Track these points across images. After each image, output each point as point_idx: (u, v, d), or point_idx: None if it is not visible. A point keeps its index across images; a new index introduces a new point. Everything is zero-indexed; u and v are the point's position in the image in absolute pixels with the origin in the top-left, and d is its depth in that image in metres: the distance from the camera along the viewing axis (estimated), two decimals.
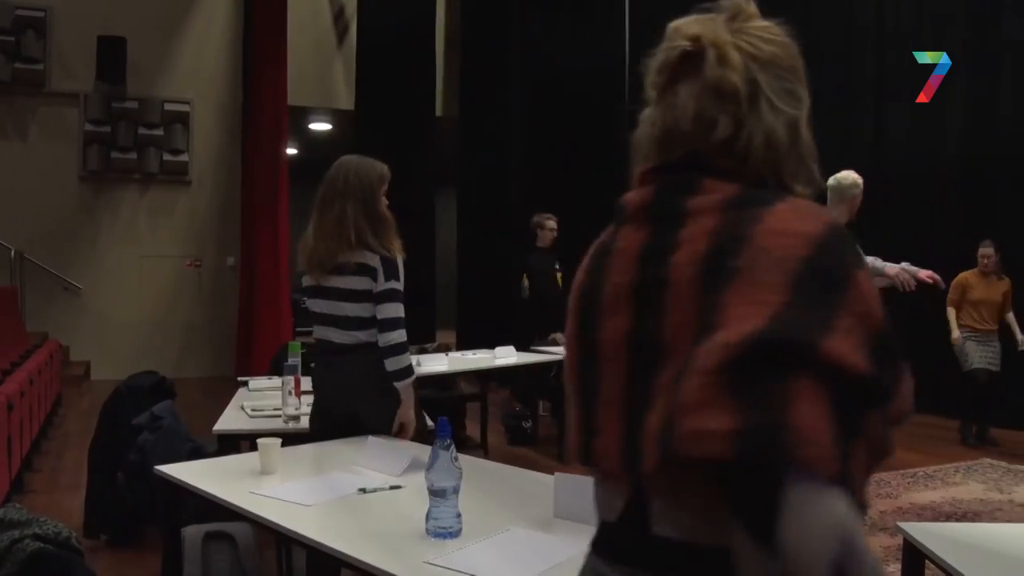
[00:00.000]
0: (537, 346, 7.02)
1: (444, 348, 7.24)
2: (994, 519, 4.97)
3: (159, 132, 11.06)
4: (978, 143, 8.18)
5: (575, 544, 1.94)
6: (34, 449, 6.35)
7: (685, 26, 1.19)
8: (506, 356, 6.19)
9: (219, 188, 11.42)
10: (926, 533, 2.21)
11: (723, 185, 1.07)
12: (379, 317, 3.11)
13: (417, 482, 2.22)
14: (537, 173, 11.08)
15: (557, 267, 8.11)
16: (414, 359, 5.92)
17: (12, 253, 10.40)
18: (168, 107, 11.09)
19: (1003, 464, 6.31)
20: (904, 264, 4.36)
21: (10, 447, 4.92)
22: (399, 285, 3.15)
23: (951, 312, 7.01)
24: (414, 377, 3.21)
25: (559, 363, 6.57)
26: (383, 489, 2.43)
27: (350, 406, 3.10)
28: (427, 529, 2.00)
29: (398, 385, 3.13)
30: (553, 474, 2.26)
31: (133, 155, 10.96)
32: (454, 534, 1.99)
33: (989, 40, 8.12)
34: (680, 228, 1.06)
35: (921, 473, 6.00)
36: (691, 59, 1.14)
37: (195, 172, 11.32)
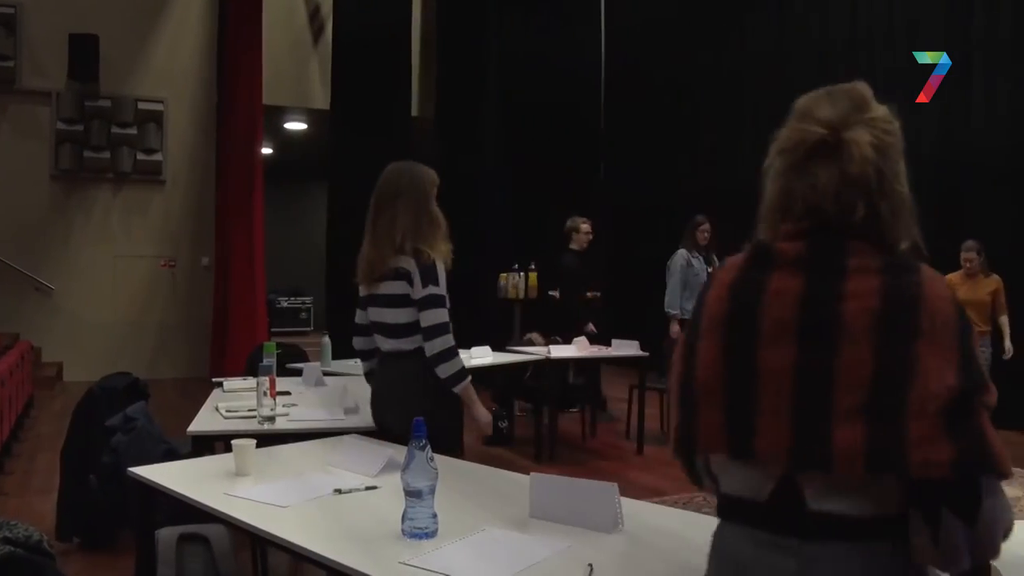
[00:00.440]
0: (513, 346, 7.04)
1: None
2: None
3: (132, 131, 10.97)
4: (951, 145, 8.27)
5: (550, 544, 1.96)
6: (5, 452, 6.29)
7: (816, 108, 1.48)
8: (482, 356, 6.19)
9: (193, 188, 11.35)
10: None
11: (865, 246, 1.39)
12: (422, 324, 3.10)
13: (393, 482, 2.22)
14: (513, 173, 11.10)
15: (532, 267, 8.15)
16: None
17: None
18: (142, 106, 11.00)
19: None
20: None
21: None
22: (439, 289, 3.11)
23: None
24: (469, 378, 3.19)
25: (535, 363, 6.58)
26: (359, 490, 2.42)
27: (394, 415, 3.10)
28: (403, 529, 2.00)
29: (456, 390, 3.14)
30: (529, 474, 2.27)
31: (106, 154, 10.87)
32: (430, 534, 1.99)
33: (961, 41, 8.21)
34: (844, 281, 1.36)
35: None
36: (825, 146, 1.42)
37: (169, 172, 11.24)
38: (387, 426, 3.16)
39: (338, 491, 2.40)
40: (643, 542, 2.02)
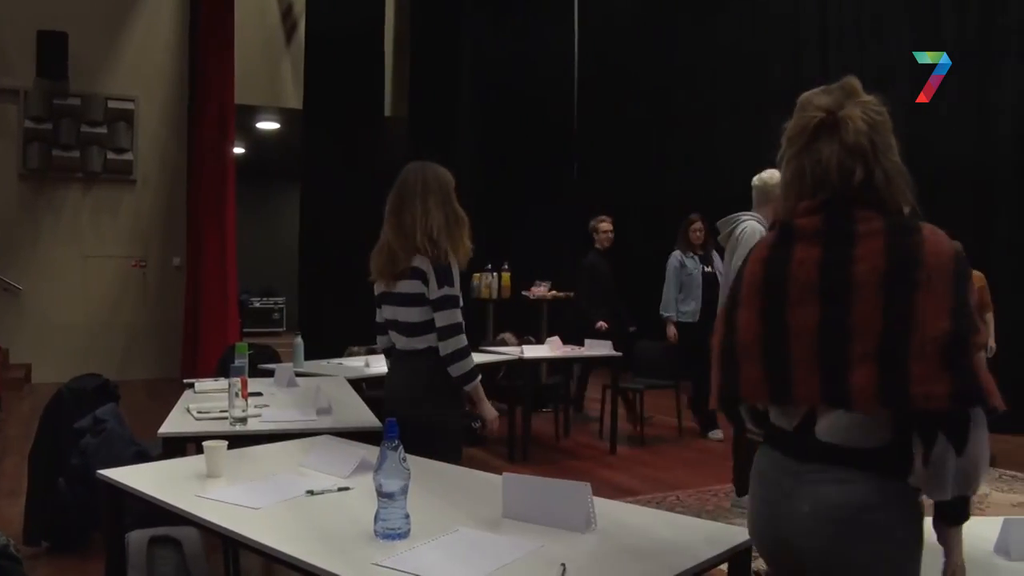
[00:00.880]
0: (487, 346, 7.04)
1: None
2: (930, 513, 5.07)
3: (102, 130, 10.85)
4: (918, 143, 8.35)
5: (523, 544, 1.96)
6: None
7: (815, 99, 1.75)
8: None
9: (164, 187, 11.24)
10: None
11: (870, 213, 1.64)
12: (437, 324, 3.16)
13: (365, 483, 2.22)
14: (486, 173, 11.10)
15: (505, 267, 8.15)
16: (362, 360, 5.97)
17: None
18: (112, 104, 10.89)
19: None
20: None
21: None
22: (453, 290, 3.16)
23: None
24: (479, 378, 3.25)
25: (508, 363, 6.60)
26: (331, 491, 2.42)
27: (406, 412, 2.95)
28: (375, 530, 2.00)
29: (467, 388, 3.22)
30: (502, 474, 2.27)
31: (76, 153, 10.75)
32: (402, 535, 1.99)
33: (929, 41, 8.30)
34: (854, 246, 1.62)
35: None
36: (824, 126, 1.70)
37: (140, 171, 11.14)
38: (409, 427, 3.06)
39: (310, 492, 2.40)
40: (616, 541, 2.03)
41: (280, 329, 15.05)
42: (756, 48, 10.14)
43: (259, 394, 4.13)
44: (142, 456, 3.94)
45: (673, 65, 11.27)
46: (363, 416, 3.80)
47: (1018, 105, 7.64)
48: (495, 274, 8.14)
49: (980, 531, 2.17)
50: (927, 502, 1.69)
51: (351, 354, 6.69)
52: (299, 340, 5.80)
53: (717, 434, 7.11)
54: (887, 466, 1.63)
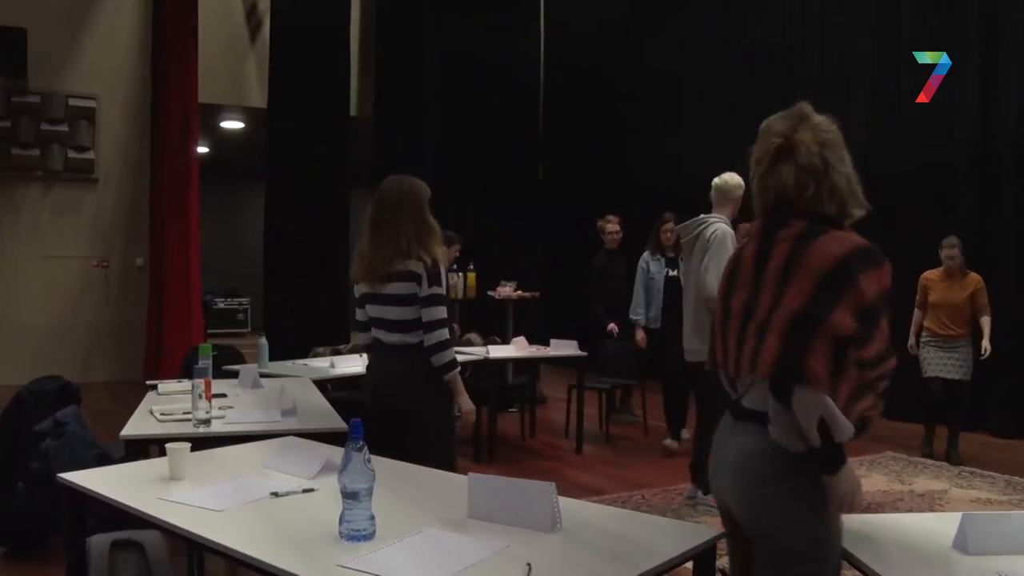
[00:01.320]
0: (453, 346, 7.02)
1: (358, 349, 7.18)
2: (896, 509, 5.16)
3: (63, 128, 10.70)
4: (881, 141, 8.47)
5: (489, 544, 1.97)
6: None
7: (774, 125, 2.06)
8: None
9: (127, 187, 11.11)
10: None
11: (799, 222, 1.96)
12: (424, 319, 3.46)
13: (330, 484, 2.22)
14: (452, 173, 11.10)
15: (471, 267, 8.15)
16: (327, 361, 5.96)
17: None
18: (73, 102, 10.74)
19: (904, 456, 6.55)
20: None
21: None
22: (441, 290, 3.48)
23: (916, 315, 6.54)
24: (458, 369, 3.54)
25: (475, 363, 6.59)
26: (295, 492, 2.41)
27: (400, 400, 3.48)
28: (340, 532, 1.99)
29: (445, 377, 3.49)
30: (467, 474, 2.27)
31: (35, 152, 10.58)
32: (367, 536, 1.98)
33: (891, 43, 8.42)
34: (773, 247, 1.98)
35: None
36: (783, 149, 2.01)
37: (102, 170, 10.99)
38: (409, 410, 3.47)
39: (275, 494, 2.38)
40: (581, 541, 2.04)
41: (245, 330, 14.95)
42: (721, 51, 10.22)
43: (223, 395, 4.11)
44: (104, 459, 3.89)
45: (638, 66, 11.33)
46: (328, 417, 3.80)
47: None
48: (460, 274, 8.14)
49: (939, 526, 2.22)
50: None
51: (316, 355, 6.66)
52: (264, 341, 5.78)
53: (672, 444, 6.83)
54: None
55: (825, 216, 1.98)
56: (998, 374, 6.54)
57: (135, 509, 2.29)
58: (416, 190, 3.55)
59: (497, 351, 6.79)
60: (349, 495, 1.97)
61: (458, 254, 7.79)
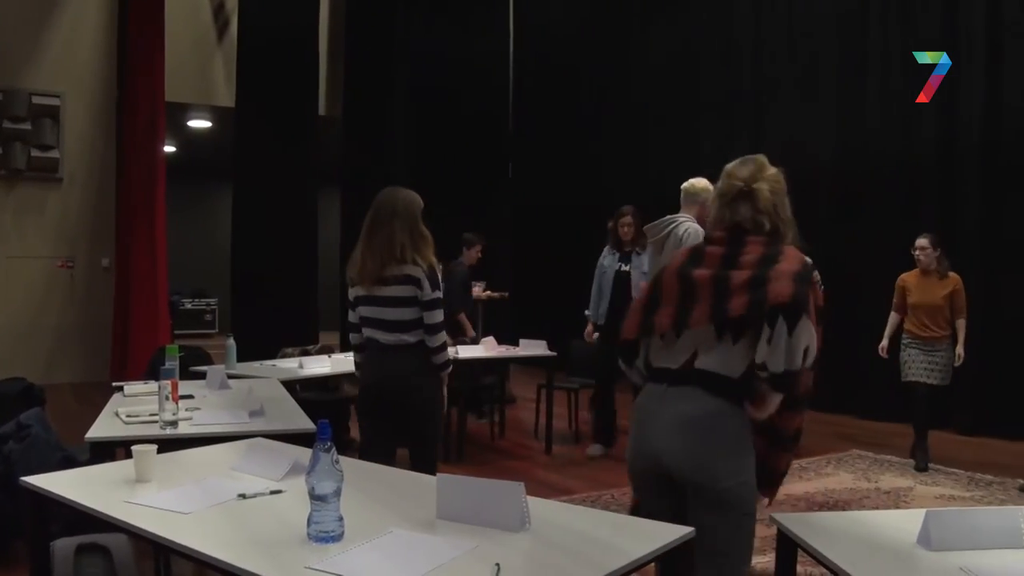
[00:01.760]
0: None
1: (327, 350, 7.15)
2: (862, 506, 5.22)
3: (26, 126, 10.54)
4: (849, 141, 8.56)
5: (458, 544, 1.97)
6: None
7: (736, 171, 2.57)
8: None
9: (92, 186, 10.98)
10: (798, 523, 2.31)
11: (757, 239, 2.48)
12: (426, 322, 3.72)
13: (298, 486, 2.20)
14: (421, 173, 11.08)
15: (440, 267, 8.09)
16: (296, 362, 5.94)
17: None
18: (36, 100, 10.59)
19: (870, 454, 6.63)
20: None
21: None
22: (440, 294, 3.75)
23: (891, 318, 6.40)
24: (451, 368, 3.89)
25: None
26: (263, 494, 2.39)
27: (402, 392, 3.73)
28: (308, 534, 1.98)
29: (442, 373, 3.83)
30: (436, 475, 2.27)
31: None
32: (336, 538, 1.98)
33: (857, 44, 8.52)
34: (742, 252, 2.45)
35: (796, 466, 6.23)
36: (743, 193, 2.52)
37: (66, 169, 10.85)
38: (405, 403, 3.75)
39: (242, 496, 2.37)
40: (550, 541, 2.04)
41: (212, 331, 14.86)
42: (690, 53, 10.28)
43: (190, 397, 4.09)
44: (69, 462, 3.85)
45: (608, 66, 11.37)
46: (296, 418, 3.78)
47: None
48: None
49: (903, 523, 2.24)
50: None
51: (285, 356, 6.63)
52: (231, 341, 5.74)
53: (596, 449, 6.69)
54: (734, 392, 2.38)
55: (774, 235, 2.51)
56: (962, 373, 6.59)
57: (100, 512, 2.27)
58: (410, 200, 3.78)
59: (466, 351, 6.79)
60: (317, 496, 1.97)
61: (480, 254, 7.74)
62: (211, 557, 1.93)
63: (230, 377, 4.73)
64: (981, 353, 7.05)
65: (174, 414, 3.39)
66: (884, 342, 6.39)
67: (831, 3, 8.76)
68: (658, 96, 10.64)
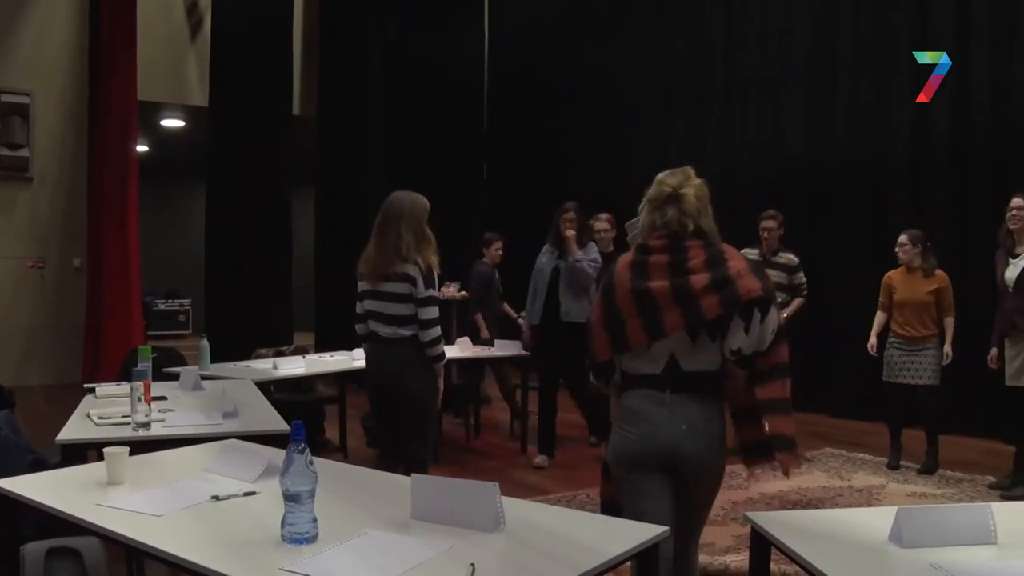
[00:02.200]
0: None
1: (301, 350, 7.13)
2: (835, 504, 5.25)
3: None
4: (818, 140, 8.63)
5: (433, 545, 1.97)
6: None
7: (667, 179, 2.81)
8: (364, 358, 6.14)
9: (63, 185, 10.87)
10: (771, 521, 2.32)
11: (696, 243, 2.70)
12: (420, 318, 4.03)
13: (272, 487, 2.20)
14: (396, 173, 11.04)
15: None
16: (270, 362, 5.92)
17: None
18: (5, 98, 10.47)
19: (844, 453, 6.68)
20: None
21: None
22: (435, 292, 4.06)
23: (878, 316, 6.27)
24: (445, 360, 4.19)
25: None
26: (237, 496, 2.38)
27: (395, 383, 4.10)
28: (282, 535, 1.98)
29: (436, 366, 4.12)
30: (410, 475, 2.27)
31: None
32: (310, 539, 1.97)
33: (828, 45, 8.58)
34: (687, 258, 2.66)
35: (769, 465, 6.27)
36: (671, 197, 2.75)
37: (37, 168, 10.74)
38: (402, 392, 4.10)
39: (216, 498, 2.36)
40: (524, 541, 2.05)
41: (186, 331, 14.75)
42: (663, 52, 10.32)
43: (163, 398, 4.06)
44: (39, 465, 3.81)
45: (582, 66, 11.39)
46: (270, 419, 3.77)
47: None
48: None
49: (875, 521, 2.26)
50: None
51: (259, 356, 6.60)
52: (205, 342, 5.71)
53: (542, 460, 6.43)
54: (719, 382, 2.72)
55: (707, 238, 2.77)
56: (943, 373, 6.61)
57: (72, 516, 2.25)
58: (417, 205, 4.10)
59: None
60: (291, 498, 1.96)
61: (501, 252, 7.62)
62: (184, 560, 1.92)
63: (204, 378, 4.71)
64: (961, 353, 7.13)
65: (147, 416, 3.36)
66: (872, 340, 6.27)
67: (802, 2, 8.82)
68: (631, 95, 10.67)
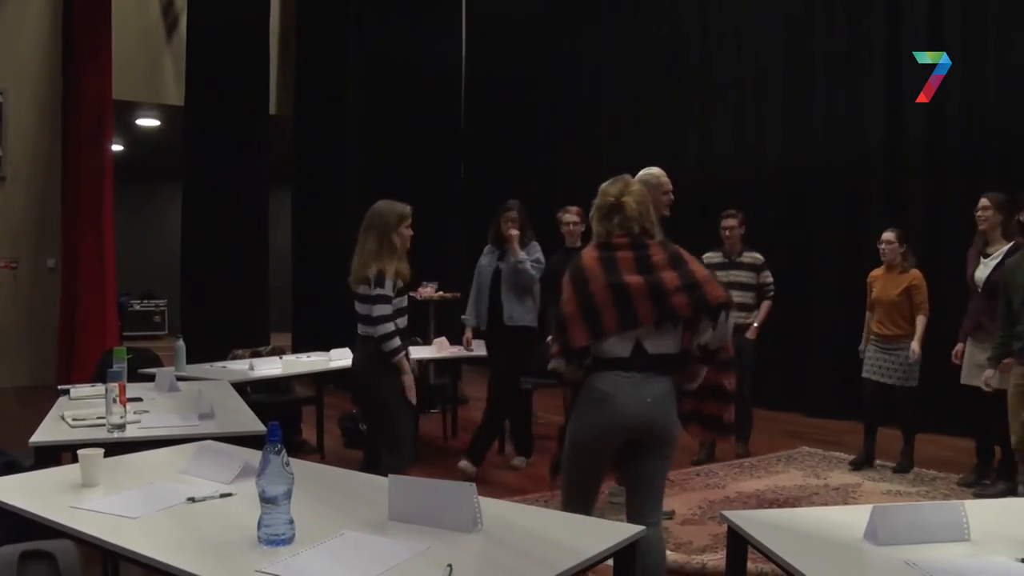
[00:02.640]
0: None
1: (278, 351, 7.10)
2: (811, 503, 5.28)
3: None
4: (795, 142, 8.68)
5: (410, 546, 1.97)
6: None
7: (609, 188, 3.15)
8: (341, 358, 6.13)
9: (37, 185, 10.75)
10: (748, 520, 2.34)
11: (652, 242, 3.08)
12: (372, 315, 4.32)
13: (248, 489, 2.19)
14: (373, 172, 11.03)
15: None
16: (246, 363, 5.90)
17: None
18: None
19: (819, 451, 6.72)
20: None
21: None
22: (384, 291, 4.29)
23: (866, 316, 6.27)
24: (401, 355, 4.35)
25: None
26: (213, 497, 2.37)
27: (361, 381, 4.53)
28: (259, 537, 1.97)
29: (392, 360, 4.33)
30: (387, 476, 2.26)
31: None
32: (286, 541, 1.97)
33: (802, 47, 8.64)
34: (649, 255, 3.04)
35: (747, 464, 6.31)
36: (615, 206, 3.10)
37: (9, 167, 10.62)
38: (364, 390, 4.56)
39: (191, 499, 2.35)
40: (501, 541, 2.05)
41: (162, 332, 14.66)
42: (639, 52, 10.35)
43: (139, 399, 4.04)
44: (12, 467, 3.77)
45: (559, 66, 11.41)
46: (247, 420, 3.75)
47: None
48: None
49: (851, 519, 2.27)
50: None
51: (235, 357, 6.57)
52: (181, 343, 5.69)
53: (520, 461, 6.44)
54: (675, 365, 3.07)
55: (649, 237, 3.14)
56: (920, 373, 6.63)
57: (45, 518, 2.24)
58: (385, 213, 4.40)
59: (418, 352, 6.76)
60: (267, 499, 1.95)
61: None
62: (160, 562, 1.91)
63: (179, 379, 4.69)
64: (925, 351, 7.17)
65: (122, 417, 3.34)
66: (862, 344, 6.27)
67: (778, 4, 8.86)
68: (608, 94, 10.70)
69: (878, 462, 6.23)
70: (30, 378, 10.35)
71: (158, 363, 5.99)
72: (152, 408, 3.92)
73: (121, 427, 3.33)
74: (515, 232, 5.98)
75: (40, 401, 5.13)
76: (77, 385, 4.54)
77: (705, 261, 6.15)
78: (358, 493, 2.48)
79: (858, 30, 8.19)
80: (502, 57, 12.17)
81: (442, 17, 12.43)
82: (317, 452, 6.54)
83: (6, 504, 2.35)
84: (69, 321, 10.26)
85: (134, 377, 4.59)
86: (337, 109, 11.27)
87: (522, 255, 5.97)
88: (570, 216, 6.12)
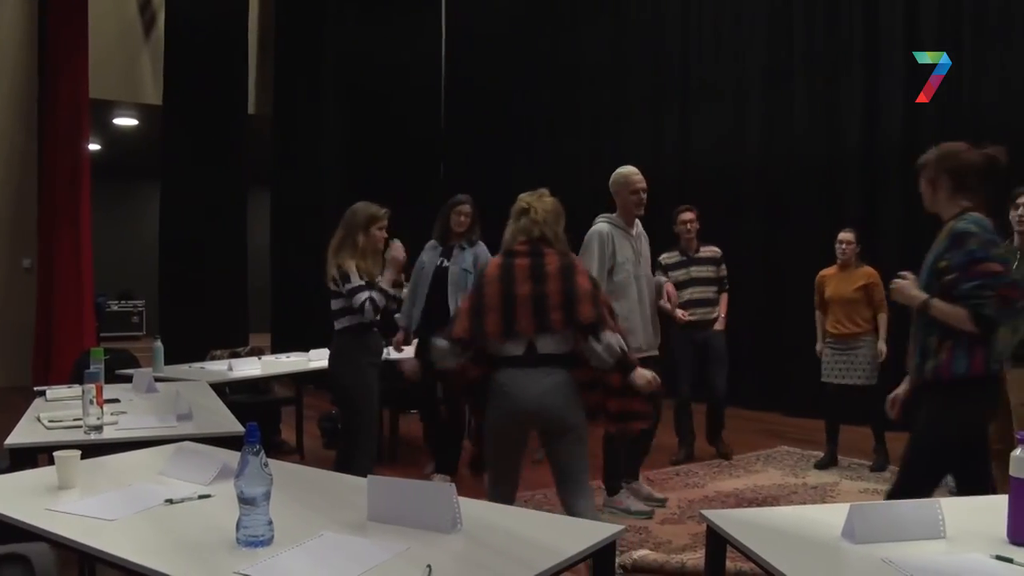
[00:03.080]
0: None
1: (257, 352, 7.07)
2: (790, 502, 5.31)
3: None
4: (774, 144, 8.72)
5: (389, 546, 1.96)
6: None
7: (524, 197, 3.54)
8: (320, 359, 6.11)
9: (12, 184, 10.67)
10: (727, 519, 2.34)
11: (551, 250, 3.45)
12: (354, 305, 4.44)
13: (227, 490, 2.18)
14: (352, 172, 11.00)
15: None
16: (225, 364, 5.87)
17: None
18: None
19: (798, 451, 6.75)
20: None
21: None
22: (352, 284, 4.41)
23: (817, 317, 6.25)
24: (375, 316, 4.48)
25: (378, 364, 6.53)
26: (191, 499, 2.36)
27: (331, 371, 4.71)
28: (238, 538, 1.96)
29: (375, 318, 4.55)
30: (367, 477, 2.26)
31: None
32: (265, 542, 1.96)
33: (784, 49, 8.68)
34: (544, 262, 3.39)
35: (726, 463, 6.34)
36: (525, 210, 3.51)
37: None
38: (334, 382, 4.73)
39: (169, 501, 2.33)
40: (481, 541, 2.05)
41: (139, 333, 14.57)
42: (619, 54, 10.37)
43: (116, 400, 4.02)
44: None
45: (539, 67, 11.41)
46: (225, 421, 3.73)
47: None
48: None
49: (829, 517, 2.28)
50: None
51: (214, 358, 6.54)
52: (159, 344, 5.66)
53: (440, 478, 5.99)
54: (569, 363, 3.35)
55: (556, 247, 3.47)
56: (881, 370, 6.67)
57: (21, 521, 2.22)
58: (358, 212, 4.55)
59: (397, 352, 6.74)
60: (246, 500, 1.94)
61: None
62: (137, 564, 1.90)
63: (157, 380, 4.67)
64: (898, 350, 7.21)
65: (99, 418, 3.32)
66: (819, 344, 6.24)
67: (758, 5, 8.91)
68: (588, 96, 10.71)
69: (855, 461, 6.26)
70: (5, 379, 10.26)
71: (136, 364, 5.97)
72: (130, 409, 3.89)
73: (98, 428, 3.31)
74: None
75: (16, 403, 5.08)
76: (53, 386, 4.51)
77: (663, 263, 6.20)
78: (337, 494, 2.47)
79: (836, 31, 8.24)
80: (482, 58, 12.16)
81: (422, 17, 12.41)
82: (296, 453, 6.52)
83: None
84: (45, 322, 10.19)
85: (111, 378, 4.58)
86: (316, 109, 11.25)
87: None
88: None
